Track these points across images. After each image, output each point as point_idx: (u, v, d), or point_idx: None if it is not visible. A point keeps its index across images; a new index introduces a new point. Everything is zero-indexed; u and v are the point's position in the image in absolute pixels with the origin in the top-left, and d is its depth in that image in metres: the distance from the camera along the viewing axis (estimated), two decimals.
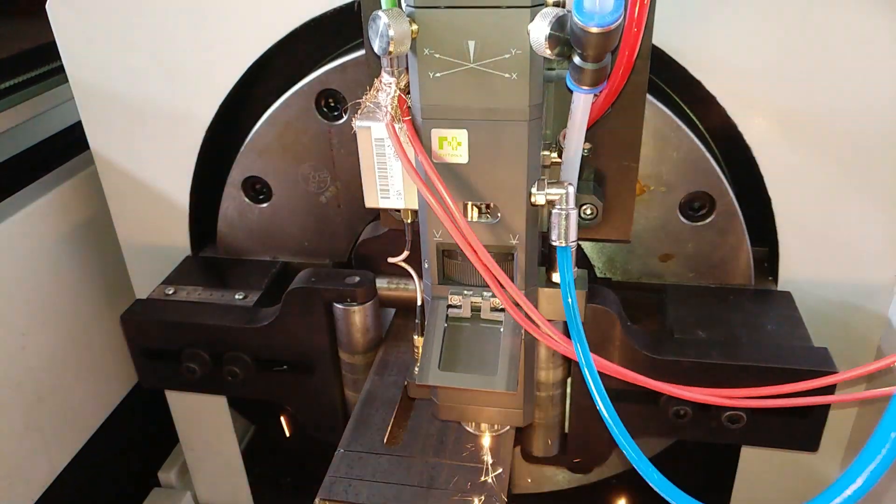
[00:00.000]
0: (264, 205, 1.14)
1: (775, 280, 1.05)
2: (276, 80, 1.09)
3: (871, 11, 0.86)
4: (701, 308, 1.01)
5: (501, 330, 0.78)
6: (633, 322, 0.96)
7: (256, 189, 1.14)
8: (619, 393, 0.97)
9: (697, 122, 1.05)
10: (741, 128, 0.95)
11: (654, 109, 0.95)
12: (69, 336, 1.28)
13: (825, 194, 0.97)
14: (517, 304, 0.74)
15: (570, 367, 0.99)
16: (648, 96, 0.94)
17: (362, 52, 0.98)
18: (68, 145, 1.32)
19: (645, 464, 0.66)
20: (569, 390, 1.02)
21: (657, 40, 0.91)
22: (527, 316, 0.74)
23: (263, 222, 1.16)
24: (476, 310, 0.79)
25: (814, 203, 0.98)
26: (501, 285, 0.72)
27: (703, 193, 1.00)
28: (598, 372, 0.75)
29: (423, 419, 0.93)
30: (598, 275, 1.10)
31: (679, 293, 1.04)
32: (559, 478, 1.37)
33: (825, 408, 0.92)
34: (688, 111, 1.04)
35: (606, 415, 0.69)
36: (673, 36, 0.91)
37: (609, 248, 1.07)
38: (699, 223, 1.02)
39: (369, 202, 0.80)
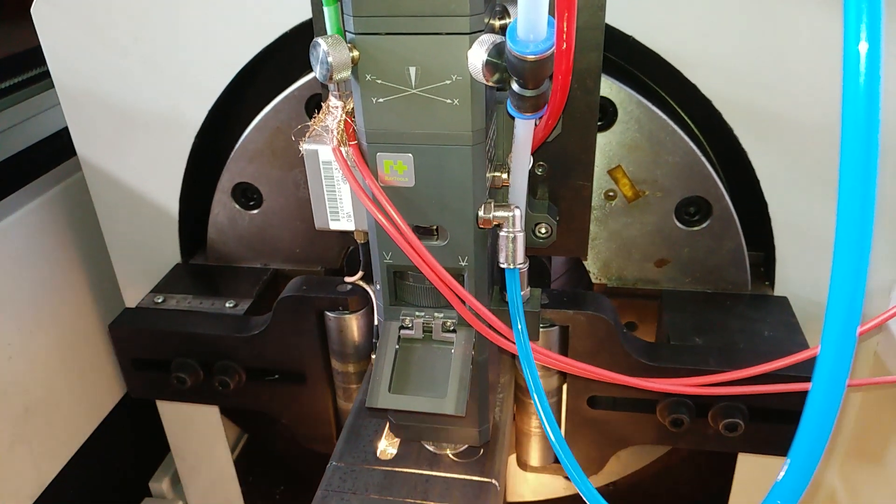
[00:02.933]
0: (255, 211, 1.13)
1: (772, 285, 1.04)
2: (265, 85, 1.07)
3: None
4: (697, 314, 1.00)
5: (452, 351, 0.77)
6: (628, 328, 0.95)
7: (247, 195, 1.12)
8: (617, 401, 0.96)
9: (693, 127, 1.04)
10: (737, 132, 0.95)
11: (650, 114, 0.94)
12: (57, 346, 1.26)
13: (822, 199, 0.97)
14: (472, 311, 0.73)
15: (566, 374, 0.98)
16: (644, 100, 0.93)
17: None
18: (55, 151, 1.31)
19: (588, 488, 0.67)
20: (564, 398, 1.01)
21: (654, 44, 0.90)
22: (482, 321, 0.74)
23: (254, 229, 1.14)
24: (428, 330, 0.79)
25: (810, 208, 0.97)
26: (456, 294, 0.72)
27: (698, 198, 0.99)
28: (588, 377, 0.75)
29: None
30: (594, 280, 1.09)
31: (675, 299, 1.03)
32: (556, 485, 1.36)
33: None
34: (684, 116, 1.03)
35: (551, 434, 0.70)
36: (669, 39, 0.90)
37: (604, 254, 1.06)
38: (695, 228, 1.01)
39: (319, 224, 0.80)
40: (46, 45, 1.07)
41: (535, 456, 1.07)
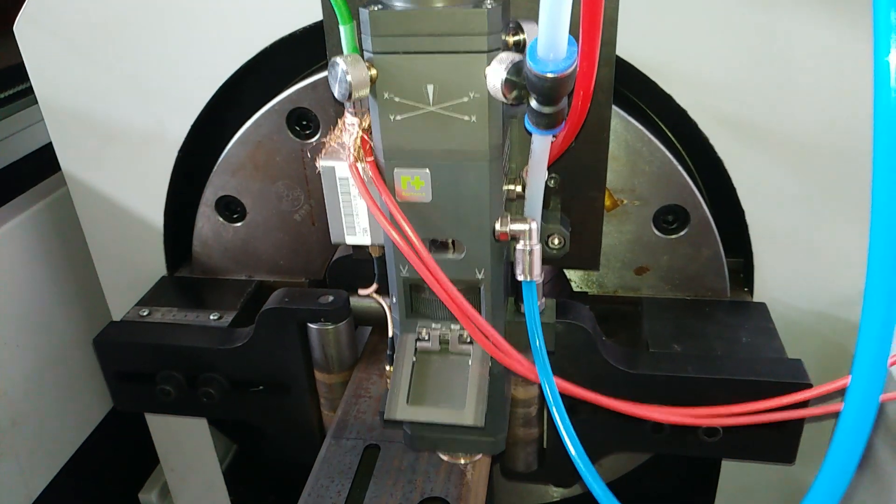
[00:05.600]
0: (239, 224, 1.13)
1: (751, 291, 1.05)
2: (248, 99, 1.08)
3: (838, 25, 0.86)
4: (676, 321, 1.01)
5: (469, 362, 0.78)
6: (608, 336, 0.96)
7: (231, 208, 1.13)
8: (598, 409, 0.96)
9: (670, 136, 1.05)
10: (712, 140, 0.96)
11: (626, 123, 0.95)
12: (44, 359, 1.26)
13: (798, 205, 0.98)
14: (484, 335, 0.74)
15: None
16: (620, 111, 0.94)
17: None
18: (40, 166, 1.31)
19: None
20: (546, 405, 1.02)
21: (628, 55, 0.91)
22: (495, 346, 0.74)
23: (238, 241, 1.15)
24: (444, 343, 0.79)
25: (787, 214, 0.98)
26: (468, 317, 0.73)
27: (676, 206, 1.00)
28: (571, 395, 0.75)
29: (384, 490, 0.88)
30: (574, 288, 1.10)
31: (655, 306, 1.04)
32: (543, 491, 1.36)
33: (801, 421, 0.92)
34: (660, 124, 1.04)
35: (573, 451, 0.69)
36: (643, 51, 0.92)
37: None
38: (673, 236, 1.02)
39: (335, 238, 0.81)
40: (30, 62, 1.08)
41: (518, 463, 1.07)
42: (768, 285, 1.04)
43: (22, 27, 1.05)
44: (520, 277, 0.73)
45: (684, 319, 1.01)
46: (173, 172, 1.12)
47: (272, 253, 1.15)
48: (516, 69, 0.61)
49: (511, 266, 0.77)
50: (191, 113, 1.07)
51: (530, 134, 0.66)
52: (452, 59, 0.64)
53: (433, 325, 0.79)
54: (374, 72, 0.65)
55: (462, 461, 0.89)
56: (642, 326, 1.02)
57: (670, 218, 1.02)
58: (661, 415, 0.81)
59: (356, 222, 0.79)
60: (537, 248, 0.72)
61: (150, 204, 1.15)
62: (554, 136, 0.67)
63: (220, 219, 1.14)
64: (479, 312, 0.77)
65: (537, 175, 0.70)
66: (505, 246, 0.77)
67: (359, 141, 0.69)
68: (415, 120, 0.67)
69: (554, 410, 0.71)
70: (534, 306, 0.74)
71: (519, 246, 0.73)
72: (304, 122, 1.04)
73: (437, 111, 0.66)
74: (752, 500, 1.20)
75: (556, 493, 1.37)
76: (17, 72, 1.12)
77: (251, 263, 1.17)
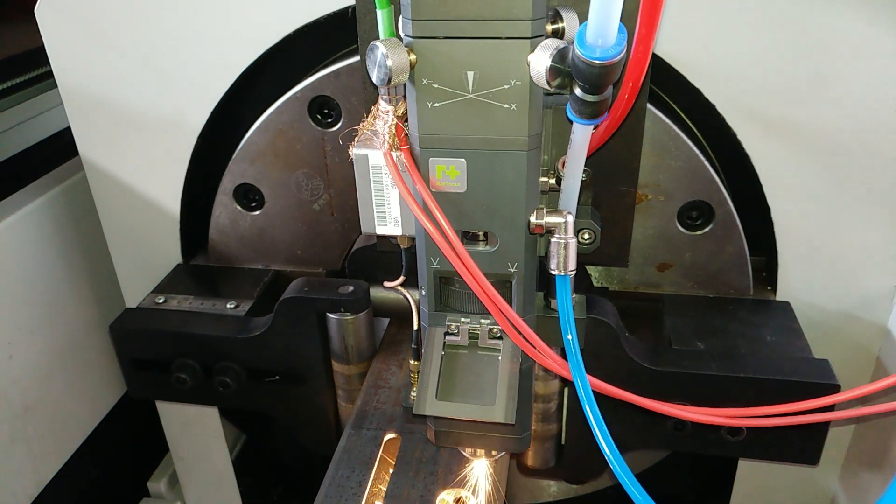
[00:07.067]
0: (256, 212, 1.12)
1: (774, 290, 1.04)
2: (269, 86, 1.07)
3: (871, 20, 0.85)
4: (699, 318, 1.00)
5: (499, 358, 0.76)
6: (630, 332, 0.95)
7: (249, 196, 1.12)
8: (618, 405, 0.96)
9: (696, 131, 1.04)
10: (740, 136, 0.94)
11: (653, 118, 0.94)
12: (57, 345, 1.25)
13: (824, 204, 0.96)
14: (517, 330, 0.72)
15: None
16: (647, 104, 0.93)
17: (356, 58, 0.96)
18: (57, 151, 1.30)
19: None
20: (565, 401, 1.01)
21: (657, 47, 0.90)
22: (527, 341, 0.73)
23: (256, 230, 1.14)
24: (473, 337, 0.78)
25: (813, 212, 0.97)
26: (501, 312, 0.71)
27: (701, 202, 0.99)
28: (599, 392, 0.74)
29: (406, 482, 0.86)
30: (595, 284, 1.09)
31: (677, 303, 1.03)
32: (553, 489, 1.35)
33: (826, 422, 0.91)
34: (687, 120, 1.03)
35: (607, 451, 0.68)
36: (672, 44, 0.90)
37: None
38: (697, 232, 1.01)
39: (366, 228, 0.79)
40: (50, 46, 1.07)
41: (535, 459, 1.06)
42: (792, 284, 1.03)
43: (43, 10, 1.04)
44: (554, 271, 0.72)
45: (707, 317, 1.00)
46: (191, 159, 1.11)
47: (290, 242, 1.14)
48: (561, 56, 0.60)
49: (541, 260, 0.76)
50: (210, 99, 1.05)
51: (571, 123, 0.65)
52: (494, 45, 0.62)
53: (463, 319, 0.78)
54: (413, 57, 0.63)
55: (484, 457, 0.88)
56: (664, 323, 1.01)
57: (695, 214, 1.01)
58: (697, 415, 0.80)
59: (387, 212, 0.78)
60: (573, 242, 0.71)
61: (167, 190, 1.14)
62: (595, 127, 0.66)
63: (238, 207, 1.13)
64: (510, 306, 0.76)
65: (575, 167, 0.69)
66: (537, 239, 0.76)
67: (394, 129, 0.68)
68: (453, 107, 0.66)
69: (587, 409, 0.70)
70: (567, 302, 0.72)
71: (554, 239, 0.71)
72: (326, 111, 1.03)
73: (477, 98, 0.65)
74: (768, 501, 1.19)
75: (562, 491, 1.37)
76: (35, 56, 1.11)
77: (268, 253, 1.16)
